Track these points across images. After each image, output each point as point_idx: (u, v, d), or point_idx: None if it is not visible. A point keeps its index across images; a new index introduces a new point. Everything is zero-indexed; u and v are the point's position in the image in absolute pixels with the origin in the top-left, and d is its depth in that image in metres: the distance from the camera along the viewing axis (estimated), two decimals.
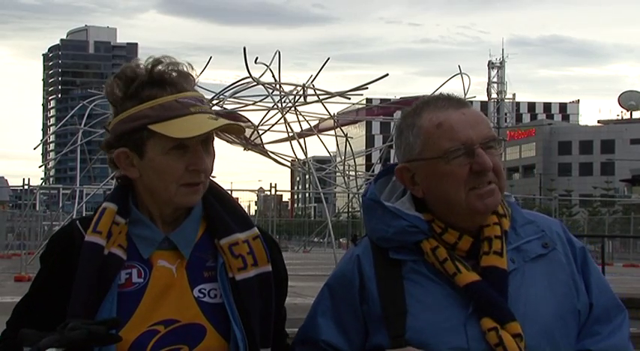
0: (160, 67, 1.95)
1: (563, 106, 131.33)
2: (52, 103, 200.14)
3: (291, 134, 25.11)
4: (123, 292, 1.92)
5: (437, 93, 2.08)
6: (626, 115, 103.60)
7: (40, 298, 1.96)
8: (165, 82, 1.94)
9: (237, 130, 1.98)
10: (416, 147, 1.98)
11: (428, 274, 1.96)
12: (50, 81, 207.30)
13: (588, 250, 2.10)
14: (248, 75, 22.29)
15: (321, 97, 24.32)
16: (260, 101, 25.01)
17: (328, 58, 22.82)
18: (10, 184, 46.22)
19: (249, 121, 26.00)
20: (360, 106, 34.38)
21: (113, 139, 1.97)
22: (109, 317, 1.85)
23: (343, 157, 28.55)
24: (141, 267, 1.96)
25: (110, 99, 1.97)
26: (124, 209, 1.97)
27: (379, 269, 1.98)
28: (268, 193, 28.69)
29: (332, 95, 24.45)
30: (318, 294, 2.08)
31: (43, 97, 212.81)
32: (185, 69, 1.98)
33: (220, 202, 2.04)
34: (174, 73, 1.95)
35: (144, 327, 1.90)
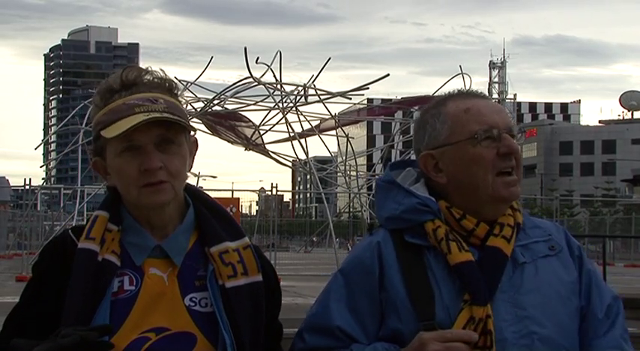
0: (131, 72, 1.97)
1: (564, 106, 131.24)
2: (54, 103, 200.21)
3: (292, 134, 25.12)
4: (115, 299, 1.91)
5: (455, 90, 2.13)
6: (627, 116, 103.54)
7: (33, 308, 1.95)
8: (125, 87, 1.95)
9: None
10: (443, 133, 2.02)
11: (443, 261, 1.98)
12: (51, 81, 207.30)
13: (586, 250, 2.16)
14: (249, 75, 22.31)
15: (322, 97, 24.32)
16: (261, 101, 25.01)
17: (329, 58, 22.84)
18: (11, 184, 46.31)
19: (251, 121, 26.01)
20: (362, 106, 34.38)
21: (91, 151, 2.02)
22: (101, 324, 1.84)
23: (344, 157, 28.54)
24: (133, 274, 1.95)
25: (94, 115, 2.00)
26: (115, 216, 1.97)
27: (401, 256, 1.99)
28: (269, 193, 28.64)
29: (333, 95, 24.45)
30: (331, 280, 2.06)
31: (45, 97, 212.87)
32: (160, 74, 1.99)
33: (211, 212, 2.04)
34: (145, 78, 1.97)
35: (135, 334, 1.89)
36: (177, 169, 1.95)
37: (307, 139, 27.03)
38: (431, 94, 22.20)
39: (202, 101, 23.90)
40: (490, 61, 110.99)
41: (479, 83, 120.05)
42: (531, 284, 1.97)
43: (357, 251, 2.07)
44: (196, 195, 2.06)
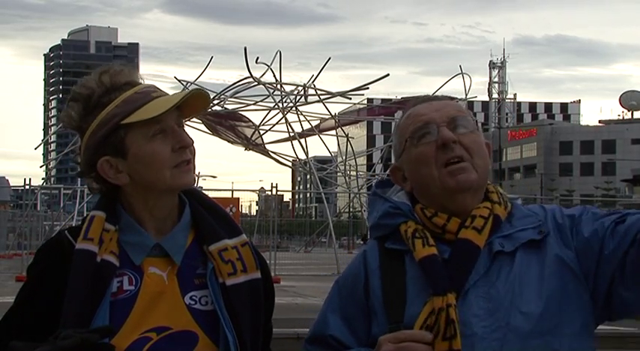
0: (107, 74, 1.98)
1: (564, 106, 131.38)
2: (53, 103, 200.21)
3: (292, 134, 25.14)
4: (115, 300, 1.90)
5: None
6: (627, 115, 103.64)
7: (29, 310, 1.93)
8: (118, 85, 1.96)
9: (204, 100, 2.00)
10: (397, 144, 2.11)
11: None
12: (51, 81, 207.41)
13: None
14: (249, 75, 22.34)
15: (322, 97, 24.35)
16: (261, 101, 25.05)
17: (329, 58, 22.87)
18: (11, 184, 46.32)
19: (250, 121, 26.02)
20: (362, 106, 34.41)
21: (90, 157, 1.97)
22: (102, 325, 1.83)
23: (344, 157, 28.57)
24: (132, 274, 1.94)
25: (69, 125, 1.98)
26: (112, 216, 1.96)
27: (383, 263, 2.03)
28: (269, 193, 28.62)
29: (333, 95, 24.49)
30: (330, 291, 2.13)
31: (45, 97, 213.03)
32: (129, 71, 2.01)
33: (208, 210, 2.05)
34: (122, 76, 1.99)
35: (136, 334, 1.89)
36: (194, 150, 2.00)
37: (307, 139, 27.06)
38: (431, 94, 22.17)
39: None
40: (490, 61, 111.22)
41: (479, 83, 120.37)
42: (507, 276, 1.96)
43: (351, 262, 2.14)
44: (192, 193, 2.06)
